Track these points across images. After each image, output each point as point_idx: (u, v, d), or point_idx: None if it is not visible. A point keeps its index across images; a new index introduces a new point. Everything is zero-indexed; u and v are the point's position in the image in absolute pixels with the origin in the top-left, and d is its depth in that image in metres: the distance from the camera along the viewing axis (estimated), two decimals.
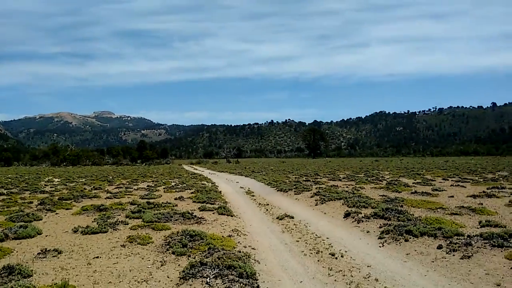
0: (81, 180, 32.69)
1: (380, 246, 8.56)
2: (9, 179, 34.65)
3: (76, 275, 6.18)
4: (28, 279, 5.86)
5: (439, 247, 7.92)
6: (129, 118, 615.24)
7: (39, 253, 7.42)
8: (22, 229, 9.43)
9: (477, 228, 9.72)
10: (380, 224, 10.28)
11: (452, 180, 24.42)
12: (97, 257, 7.32)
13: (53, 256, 7.30)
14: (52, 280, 5.85)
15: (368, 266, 7.18)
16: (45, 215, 12.63)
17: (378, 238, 9.13)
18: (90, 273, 6.32)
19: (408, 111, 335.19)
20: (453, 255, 7.36)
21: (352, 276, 6.65)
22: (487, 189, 17.64)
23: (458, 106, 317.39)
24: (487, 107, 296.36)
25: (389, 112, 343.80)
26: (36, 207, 14.58)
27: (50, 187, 25.07)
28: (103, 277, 6.12)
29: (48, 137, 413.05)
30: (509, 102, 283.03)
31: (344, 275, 6.72)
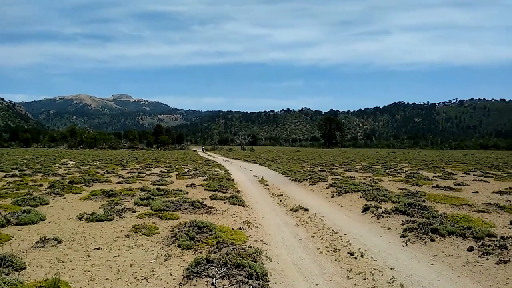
0: (95, 164, 32.63)
1: (403, 246, 7.86)
2: (25, 161, 34.86)
3: (72, 269, 5.69)
4: (20, 272, 5.39)
5: (470, 249, 7.20)
6: (146, 102, 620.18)
7: (37, 242, 6.97)
8: (25, 214, 9.03)
9: (509, 228, 8.99)
10: (403, 221, 9.55)
11: (474, 175, 23.34)
12: (98, 248, 6.83)
13: (51, 246, 6.84)
14: (45, 274, 5.37)
15: (391, 269, 6.51)
16: (53, 199, 12.29)
17: (401, 236, 8.42)
18: (88, 267, 5.82)
19: (428, 102, 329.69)
20: (487, 259, 6.63)
21: (374, 280, 5.99)
22: None
23: (479, 98, 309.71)
24: (510, 100, 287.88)
25: (408, 103, 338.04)
26: (45, 190, 14.29)
27: (64, 170, 24.97)
28: (100, 272, 5.61)
29: (67, 119, 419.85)
30: None
31: (365, 278, 6.07)
